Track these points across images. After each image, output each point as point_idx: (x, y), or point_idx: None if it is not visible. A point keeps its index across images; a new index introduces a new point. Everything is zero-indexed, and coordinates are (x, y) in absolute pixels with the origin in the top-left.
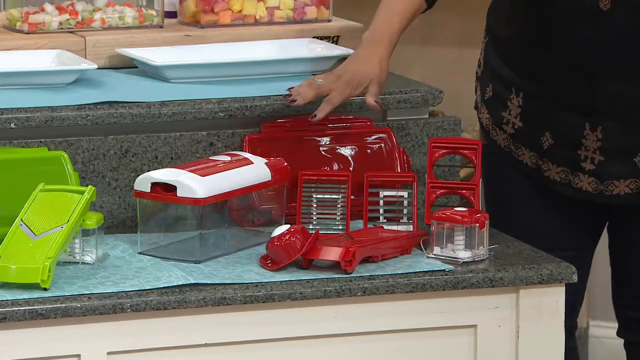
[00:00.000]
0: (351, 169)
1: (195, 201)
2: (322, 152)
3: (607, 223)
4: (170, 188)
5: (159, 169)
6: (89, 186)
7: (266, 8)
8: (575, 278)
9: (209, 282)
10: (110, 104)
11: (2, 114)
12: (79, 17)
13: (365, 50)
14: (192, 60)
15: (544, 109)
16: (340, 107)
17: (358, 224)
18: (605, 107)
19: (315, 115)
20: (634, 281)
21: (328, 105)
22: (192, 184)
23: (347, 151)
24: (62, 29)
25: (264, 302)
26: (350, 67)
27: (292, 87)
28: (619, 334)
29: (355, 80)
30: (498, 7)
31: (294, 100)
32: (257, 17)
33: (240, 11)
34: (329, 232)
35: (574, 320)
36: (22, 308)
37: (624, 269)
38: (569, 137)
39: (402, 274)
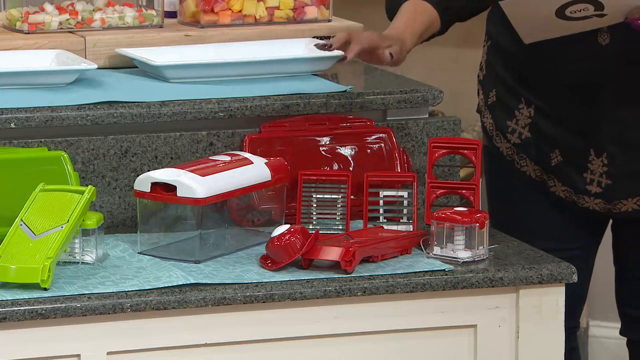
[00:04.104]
0: (351, 169)
1: (195, 201)
2: (322, 152)
3: (611, 222)
4: (170, 188)
5: (159, 169)
6: (89, 186)
7: (266, 8)
8: (575, 278)
9: (209, 282)
10: (110, 104)
11: (2, 114)
12: (79, 17)
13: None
14: (192, 60)
15: (552, 127)
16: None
17: (358, 224)
18: (608, 134)
19: (346, 57)
20: (637, 280)
21: (357, 44)
22: (192, 184)
23: (347, 151)
24: (62, 29)
25: (264, 302)
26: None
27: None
28: (621, 332)
29: (385, 36)
30: (499, 15)
31: (331, 45)
32: (257, 16)
33: (240, 11)
34: (329, 232)
35: (577, 320)
36: (22, 308)
37: (628, 268)
38: (575, 159)
39: (402, 274)
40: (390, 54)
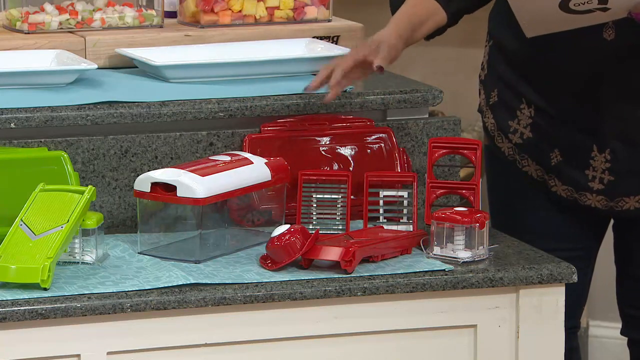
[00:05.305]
0: (351, 169)
1: (195, 201)
2: (322, 152)
3: (612, 222)
4: (170, 188)
5: (159, 169)
6: (89, 186)
7: (266, 8)
8: (575, 278)
9: (209, 282)
10: (110, 104)
11: (2, 114)
12: (79, 17)
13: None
14: (192, 60)
15: (553, 125)
16: (339, 106)
17: (358, 224)
18: (612, 130)
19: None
20: (637, 280)
21: (338, 69)
22: (192, 184)
23: (347, 151)
24: (62, 29)
25: (264, 302)
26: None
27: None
28: (622, 332)
29: (367, 42)
30: (501, 14)
31: (311, 86)
32: (257, 17)
33: (240, 11)
34: (329, 232)
35: (577, 320)
36: (22, 308)
37: (629, 268)
38: (577, 156)
39: (402, 274)
40: (382, 67)
